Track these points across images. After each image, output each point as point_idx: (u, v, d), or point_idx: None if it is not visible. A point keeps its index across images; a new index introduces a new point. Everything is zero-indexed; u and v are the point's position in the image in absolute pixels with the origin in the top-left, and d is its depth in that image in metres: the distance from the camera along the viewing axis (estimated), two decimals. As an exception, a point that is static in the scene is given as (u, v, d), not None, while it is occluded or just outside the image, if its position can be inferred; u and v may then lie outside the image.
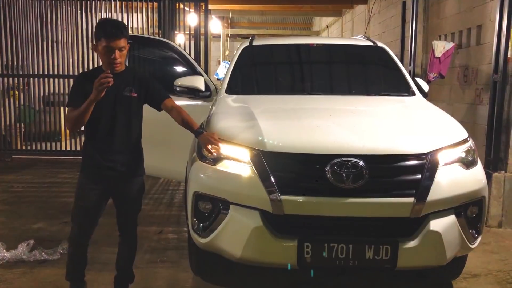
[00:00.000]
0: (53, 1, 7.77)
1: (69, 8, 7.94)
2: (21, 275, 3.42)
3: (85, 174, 2.81)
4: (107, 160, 2.75)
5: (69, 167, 7.29)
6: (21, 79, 8.08)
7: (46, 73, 7.87)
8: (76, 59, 8.02)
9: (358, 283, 3.40)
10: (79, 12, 7.89)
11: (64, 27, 8.02)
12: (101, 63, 2.82)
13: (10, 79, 7.98)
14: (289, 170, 2.64)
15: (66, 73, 7.91)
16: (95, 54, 7.88)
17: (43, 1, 7.81)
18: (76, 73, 8.04)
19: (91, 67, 7.85)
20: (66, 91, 7.91)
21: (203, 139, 2.80)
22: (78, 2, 7.79)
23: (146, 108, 4.55)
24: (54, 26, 7.86)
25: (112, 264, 3.55)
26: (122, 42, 2.65)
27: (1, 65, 7.91)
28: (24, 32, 7.87)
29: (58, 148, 8.04)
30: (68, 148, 7.99)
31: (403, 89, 3.89)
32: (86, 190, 2.78)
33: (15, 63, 7.94)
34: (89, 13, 7.82)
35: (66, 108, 2.79)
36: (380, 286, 3.40)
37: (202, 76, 4.37)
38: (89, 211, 2.81)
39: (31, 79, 8.01)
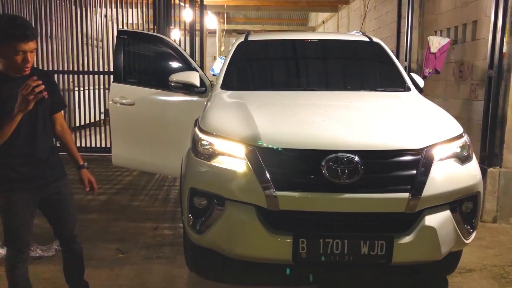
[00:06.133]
0: (47, -4, 7.72)
1: (63, 3, 7.89)
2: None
3: (10, 191, 2.43)
4: (36, 169, 2.46)
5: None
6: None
7: (40, 69, 7.81)
8: (71, 54, 7.98)
9: (353, 278, 3.41)
10: (73, 7, 7.84)
11: (59, 22, 7.97)
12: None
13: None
14: (284, 165, 2.63)
15: (60, 69, 7.87)
16: (90, 49, 7.84)
17: (37, -4, 7.76)
18: (71, 69, 8.01)
19: (85, 63, 7.82)
20: (61, 86, 7.87)
21: (85, 173, 2.68)
22: (72, -3, 7.75)
23: (140, 103, 4.58)
24: (49, 21, 7.81)
25: (108, 260, 3.56)
26: (35, 43, 2.30)
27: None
28: (18, 27, 7.80)
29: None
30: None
31: (398, 85, 3.89)
32: (18, 206, 2.44)
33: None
34: (83, 8, 7.77)
35: None
36: (375, 282, 3.41)
37: (197, 71, 4.35)
38: (27, 226, 2.51)
39: None
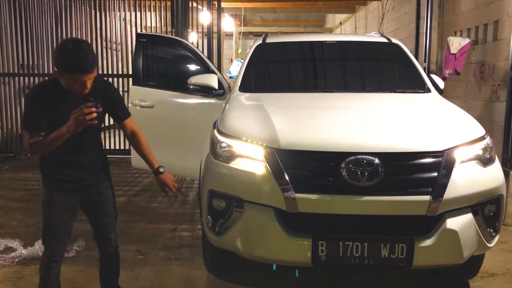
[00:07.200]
0: (68, 1, 7.84)
1: (83, 7, 8.01)
2: (38, 272, 3.44)
3: (53, 189, 2.54)
4: (79, 173, 2.54)
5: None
6: (36, 79, 8.18)
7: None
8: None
9: (372, 281, 3.38)
10: (93, 11, 7.96)
11: (79, 26, 8.10)
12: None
13: (26, 78, 8.07)
14: (303, 168, 2.62)
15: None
16: (109, 53, 7.94)
17: (58, 1, 7.88)
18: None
19: (105, 67, 7.92)
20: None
21: (161, 179, 2.72)
22: (92, 1, 7.85)
23: (159, 106, 4.62)
24: (69, 25, 7.94)
25: (127, 261, 3.59)
26: (95, 71, 2.36)
27: (17, 65, 8.01)
28: (39, 31, 7.95)
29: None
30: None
31: (418, 86, 3.85)
32: (58, 204, 2.53)
33: (31, 62, 8.03)
34: (103, 12, 7.88)
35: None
36: (396, 285, 3.37)
37: (216, 74, 4.37)
38: (65, 226, 2.58)
39: (47, 78, 8.09)
